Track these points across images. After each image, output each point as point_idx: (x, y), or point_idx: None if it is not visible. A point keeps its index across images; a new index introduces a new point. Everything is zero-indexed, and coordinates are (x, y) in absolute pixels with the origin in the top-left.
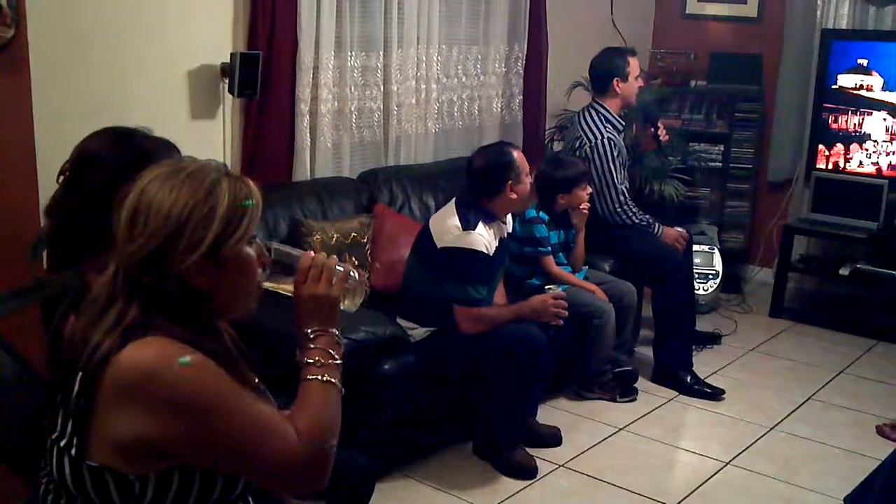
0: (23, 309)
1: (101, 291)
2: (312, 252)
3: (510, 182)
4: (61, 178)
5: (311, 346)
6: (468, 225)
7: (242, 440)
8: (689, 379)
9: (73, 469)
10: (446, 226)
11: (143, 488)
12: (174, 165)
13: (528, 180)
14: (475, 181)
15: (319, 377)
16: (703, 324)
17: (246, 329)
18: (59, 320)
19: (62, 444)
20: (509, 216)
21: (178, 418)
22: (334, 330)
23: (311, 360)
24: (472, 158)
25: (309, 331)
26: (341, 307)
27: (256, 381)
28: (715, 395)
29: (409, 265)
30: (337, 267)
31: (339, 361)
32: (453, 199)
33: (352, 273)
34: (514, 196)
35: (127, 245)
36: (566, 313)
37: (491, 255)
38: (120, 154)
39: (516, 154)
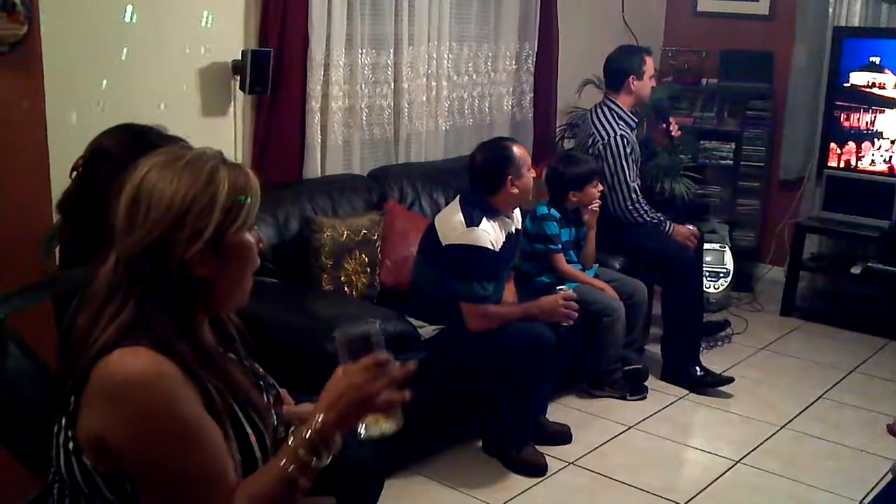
0: (35, 305)
1: (100, 285)
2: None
3: (510, 176)
4: (74, 174)
5: (309, 433)
6: (472, 222)
7: (186, 475)
8: (697, 372)
9: (67, 464)
10: (451, 223)
11: (135, 489)
12: (171, 154)
13: (529, 174)
14: (476, 177)
15: (292, 469)
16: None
17: (254, 324)
18: (70, 316)
19: (62, 439)
20: (517, 211)
21: (141, 433)
22: (338, 436)
23: (296, 447)
24: (472, 155)
25: (320, 419)
26: (378, 426)
27: (265, 373)
28: (724, 381)
29: (417, 263)
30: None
31: (321, 466)
32: (458, 197)
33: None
34: (515, 190)
35: (127, 236)
36: (576, 314)
37: (497, 250)
38: (133, 151)
39: (515, 148)
